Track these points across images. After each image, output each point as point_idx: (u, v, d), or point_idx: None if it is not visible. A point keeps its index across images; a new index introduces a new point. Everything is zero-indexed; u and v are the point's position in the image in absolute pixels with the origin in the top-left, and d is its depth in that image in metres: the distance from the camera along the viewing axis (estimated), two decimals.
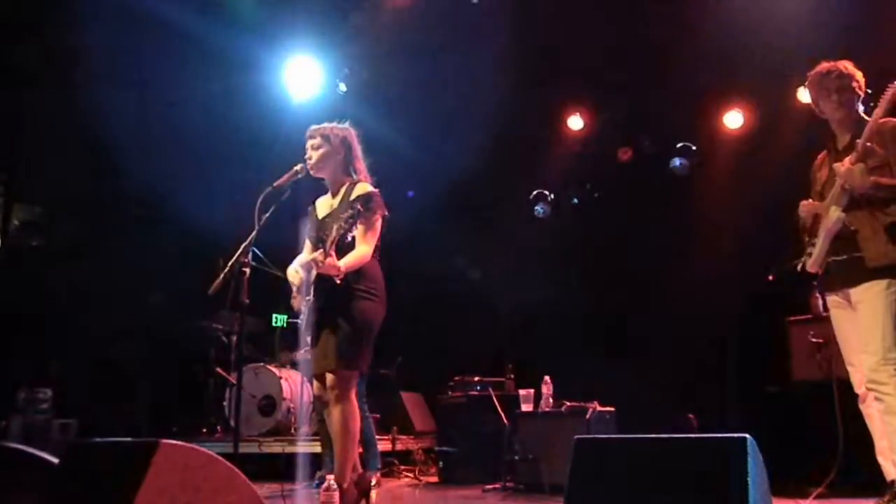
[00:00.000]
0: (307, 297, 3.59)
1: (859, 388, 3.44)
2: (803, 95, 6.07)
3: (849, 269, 3.35)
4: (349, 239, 3.47)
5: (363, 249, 3.56)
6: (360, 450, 5.46)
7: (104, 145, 7.15)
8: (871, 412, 3.38)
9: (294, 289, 3.72)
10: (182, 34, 6.72)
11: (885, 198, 3.28)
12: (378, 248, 3.71)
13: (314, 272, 3.51)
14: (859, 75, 3.50)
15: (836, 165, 3.39)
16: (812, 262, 3.47)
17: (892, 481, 3.33)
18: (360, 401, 5.40)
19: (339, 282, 3.43)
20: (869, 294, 3.28)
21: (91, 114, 7.04)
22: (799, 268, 3.54)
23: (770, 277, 3.73)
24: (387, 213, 3.69)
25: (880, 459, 3.39)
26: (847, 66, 3.50)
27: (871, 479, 3.48)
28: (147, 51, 6.98)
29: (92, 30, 6.72)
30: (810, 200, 3.58)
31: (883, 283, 3.24)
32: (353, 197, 3.63)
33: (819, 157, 3.73)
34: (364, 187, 3.68)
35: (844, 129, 3.54)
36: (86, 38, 6.76)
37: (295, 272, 3.72)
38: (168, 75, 6.98)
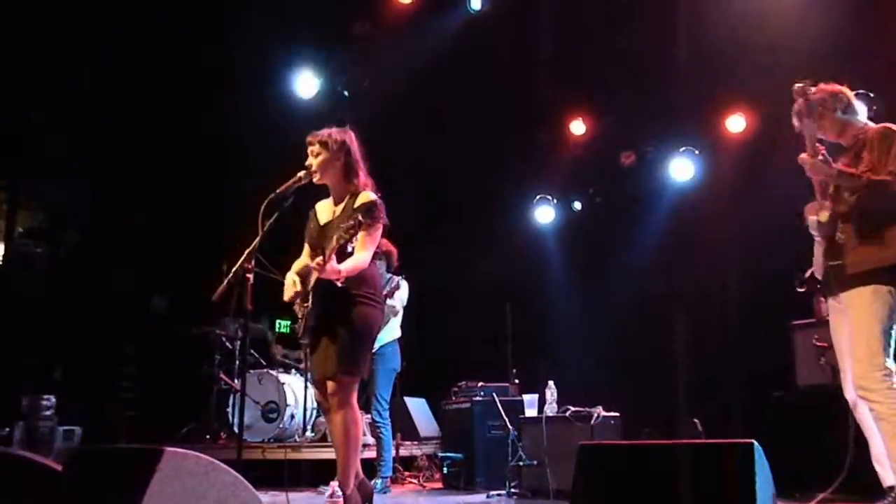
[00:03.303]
0: (305, 304, 3.58)
1: (848, 394, 3.49)
2: None
3: (841, 275, 3.42)
4: (349, 249, 3.48)
5: (362, 256, 3.57)
6: (374, 455, 5.46)
7: (108, 152, 7.18)
8: (864, 418, 3.42)
9: (290, 293, 3.70)
10: (184, 40, 6.75)
11: (850, 187, 3.34)
12: (377, 254, 3.73)
13: (313, 277, 3.51)
14: (829, 92, 3.54)
15: (800, 158, 3.44)
16: (816, 267, 3.55)
17: (891, 487, 3.32)
18: (382, 407, 5.43)
19: (340, 284, 3.43)
20: (856, 300, 3.35)
21: (95, 121, 7.08)
22: (808, 274, 3.62)
23: (800, 289, 3.77)
24: (388, 222, 3.70)
25: (876, 466, 3.41)
26: (811, 95, 3.45)
27: (877, 483, 3.46)
28: (150, 56, 7.00)
29: (95, 34, 6.75)
30: (812, 204, 3.58)
31: (868, 289, 3.30)
32: (356, 206, 3.63)
33: None
34: (367, 196, 3.67)
35: (844, 141, 3.58)
36: (89, 42, 6.79)
37: (292, 281, 3.70)
38: (172, 82, 7.00)
